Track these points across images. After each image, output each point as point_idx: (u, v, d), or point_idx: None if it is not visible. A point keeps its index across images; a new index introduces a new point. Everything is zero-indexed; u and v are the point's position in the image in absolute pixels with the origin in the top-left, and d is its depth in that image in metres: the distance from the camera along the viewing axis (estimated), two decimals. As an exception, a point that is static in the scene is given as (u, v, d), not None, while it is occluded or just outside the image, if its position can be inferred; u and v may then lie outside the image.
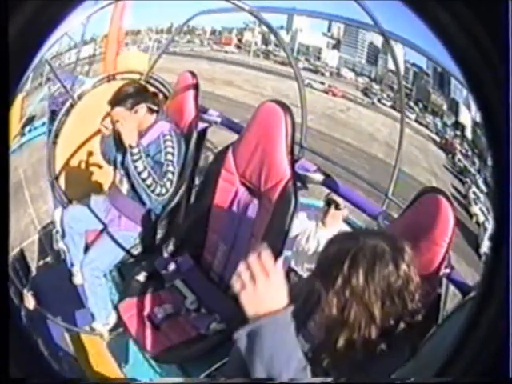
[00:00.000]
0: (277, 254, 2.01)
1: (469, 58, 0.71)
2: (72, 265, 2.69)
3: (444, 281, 1.50)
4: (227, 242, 2.22)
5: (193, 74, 2.66)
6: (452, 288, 1.54)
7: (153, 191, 2.34)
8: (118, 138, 2.46)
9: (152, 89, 2.92)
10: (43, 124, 3.63)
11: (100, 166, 2.97)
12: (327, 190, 2.43)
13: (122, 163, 2.49)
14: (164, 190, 2.35)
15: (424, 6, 0.73)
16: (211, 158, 2.66)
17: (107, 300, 2.54)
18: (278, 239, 2.00)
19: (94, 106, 2.76)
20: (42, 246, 2.96)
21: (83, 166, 2.99)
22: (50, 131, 2.96)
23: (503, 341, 0.70)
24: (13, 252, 2.90)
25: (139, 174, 2.32)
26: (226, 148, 2.25)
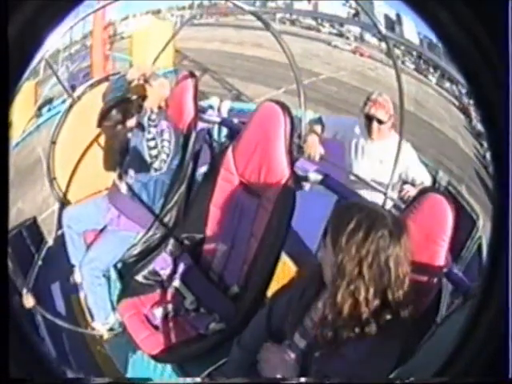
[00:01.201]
0: (276, 253, 2.03)
1: (469, 58, 0.71)
2: (72, 265, 2.69)
3: (444, 281, 1.50)
4: (227, 242, 2.22)
5: (192, 74, 2.65)
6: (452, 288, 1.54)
7: (153, 163, 2.40)
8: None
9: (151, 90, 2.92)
10: (63, 101, 3.69)
11: (99, 166, 2.96)
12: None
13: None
14: (160, 166, 2.42)
15: (424, 5, 0.73)
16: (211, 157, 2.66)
17: (107, 300, 2.54)
18: (277, 239, 2.01)
19: (94, 105, 2.75)
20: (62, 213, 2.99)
21: (83, 165, 2.98)
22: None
23: (503, 341, 0.70)
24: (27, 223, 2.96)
25: (148, 140, 2.38)
26: (226, 148, 2.25)
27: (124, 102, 2.50)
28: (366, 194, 2.51)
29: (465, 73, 0.73)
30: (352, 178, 2.74)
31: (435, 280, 1.43)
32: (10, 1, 0.69)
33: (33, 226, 2.99)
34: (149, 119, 2.39)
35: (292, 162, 2.06)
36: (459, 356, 0.75)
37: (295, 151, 2.36)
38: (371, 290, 1.27)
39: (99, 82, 2.95)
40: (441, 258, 1.41)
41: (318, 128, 2.81)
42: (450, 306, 1.48)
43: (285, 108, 2.04)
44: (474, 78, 0.72)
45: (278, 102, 2.07)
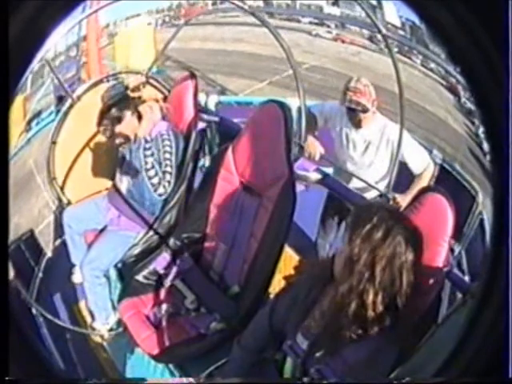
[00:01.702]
0: (277, 253, 2.03)
1: (469, 58, 0.71)
2: (72, 265, 2.69)
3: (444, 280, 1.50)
4: (227, 242, 2.22)
5: (192, 74, 2.65)
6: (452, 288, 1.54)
7: (156, 190, 2.36)
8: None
9: (151, 89, 2.93)
10: (50, 113, 3.71)
11: (99, 166, 2.97)
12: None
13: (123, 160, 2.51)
14: (163, 191, 2.38)
15: (424, 5, 0.73)
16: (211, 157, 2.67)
17: (107, 300, 2.54)
18: (277, 238, 2.01)
19: (93, 106, 2.75)
20: (58, 224, 3.00)
21: (83, 166, 2.98)
22: (57, 112, 2.99)
23: (503, 341, 0.70)
24: (24, 236, 2.95)
25: (147, 170, 2.34)
26: (226, 148, 2.25)
27: (124, 100, 2.51)
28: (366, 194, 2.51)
29: (465, 73, 0.73)
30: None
31: (435, 280, 1.43)
32: (10, 1, 0.69)
33: (30, 239, 2.99)
34: (144, 149, 2.35)
35: (292, 162, 2.05)
36: (459, 356, 0.75)
37: (295, 151, 2.36)
38: (380, 294, 1.26)
39: (96, 83, 2.94)
40: (441, 257, 1.41)
41: (311, 120, 2.76)
42: (450, 305, 1.48)
43: (284, 108, 2.04)
44: (474, 77, 0.72)
45: (277, 102, 2.07)
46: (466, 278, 1.55)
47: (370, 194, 2.55)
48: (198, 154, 2.63)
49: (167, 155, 2.39)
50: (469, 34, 0.70)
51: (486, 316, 0.73)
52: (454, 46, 0.71)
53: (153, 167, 2.34)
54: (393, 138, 2.54)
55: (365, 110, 2.57)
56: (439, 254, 1.41)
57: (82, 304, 2.74)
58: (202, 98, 3.90)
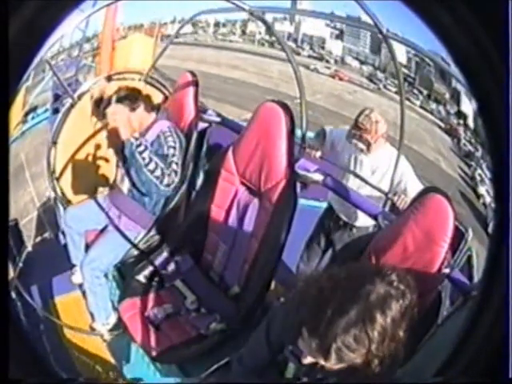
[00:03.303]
0: (277, 253, 2.03)
1: (469, 58, 0.71)
2: (72, 265, 2.69)
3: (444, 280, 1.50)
4: (227, 242, 2.22)
5: (193, 74, 2.66)
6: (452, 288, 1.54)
7: (161, 182, 2.33)
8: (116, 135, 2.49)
9: (151, 88, 2.93)
10: (46, 111, 3.72)
11: (100, 166, 2.97)
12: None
13: (124, 161, 2.51)
14: (171, 180, 2.36)
15: (424, 6, 0.73)
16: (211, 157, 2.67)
17: (107, 300, 2.54)
18: (277, 239, 2.01)
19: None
20: (40, 222, 3.00)
21: (83, 166, 2.98)
22: (53, 110, 2.99)
23: (503, 341, 0.70)
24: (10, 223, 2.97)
25: (146, 165, 2.32)
26: (226, 148, 2.25)
27: (130, 96, 2.53)
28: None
29: (465, 73, 0.73)
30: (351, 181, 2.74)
31: (436, 280, 1.43)
32: (10, 1, 0.69)
33: (14, 229, 3.02)
34: (137, 147, 2.33)
35: (293, 162, 2.06)
36: (459, 356, 0.75)
37: (296, 151, 2.36)
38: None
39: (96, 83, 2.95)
40: (441, 258, 1.41)
41: (318, 141, 2.88)
42: (450, 306, 1.48)
43: (286, 108, 2.04)
44: (474, 77, 0.72)
45: (278, 102, 2.07)
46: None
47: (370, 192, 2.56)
48: (198, 154, 2.63)
49: (171, 150, 2.39)
50: (469, 34, 0.70)
51: (485, 316, 0.73)
52: (455, 46, 0.71)
53: (150, 161, 2.32)
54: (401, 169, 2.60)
55: (367, 145, 2.66)
56: (439, 254, 1.40)
57: (57, 300, 2.79)
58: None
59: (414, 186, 2.58)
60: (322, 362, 1.17)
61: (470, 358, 0.73)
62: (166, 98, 2.96)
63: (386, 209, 2.42)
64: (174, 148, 2.40)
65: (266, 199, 2.07)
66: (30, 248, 3.03)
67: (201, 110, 2.68)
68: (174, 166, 2.37)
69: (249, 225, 2.14)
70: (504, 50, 0.68)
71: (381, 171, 2.71)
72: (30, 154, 3.14)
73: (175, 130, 2.46)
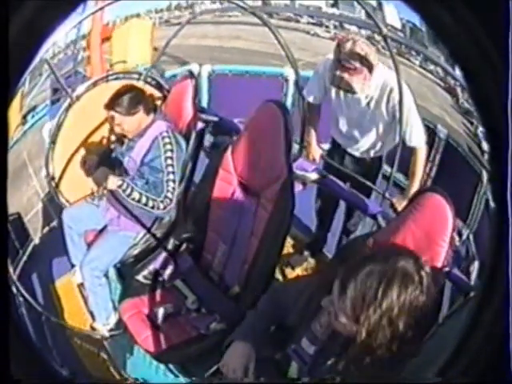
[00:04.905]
0: (276, 252, 2.03)
1: (469, 58, 0.71)
2: (72, 265, 2.69)
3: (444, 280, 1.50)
4: (227, 242, 2.22)
5: (191, 74, 2.65)
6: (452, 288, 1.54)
7: (158, 208, 2.37)
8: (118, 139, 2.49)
9: (150, 88, 2.93)
10: (45, 106, 3.74)
11: (98, 166, 2.96)
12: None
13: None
14: (168, 202, 2.37)
15: (425, 6, 0.73)
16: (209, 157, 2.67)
17: (107, 300, 2.54)
18: (277, 238, 2.01)
19: (92, 106, 2.75)
20: (46, 211, 3.00)
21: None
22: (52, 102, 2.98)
23: (503, 341, 0.70)
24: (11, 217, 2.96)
25: (138, 201, 2.36)
26: (225, 148, 2.24)
27: (139, 94, 2.52)
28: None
29: (465, 73, 0.73)
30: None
31: (436, 280, 1.43)
32: (10, 1, 0.69)
33: (17, 222, 3.02)
34: (123, 191, 2.36)
35: (291, 162, 2.05)
36: (459, 356, 0.75)
37: (294, 150, 2.36)
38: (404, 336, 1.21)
39: (96, 83, 2.94)
40: (441, 257, 1.41)
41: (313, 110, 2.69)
42: (450, 306, 1.48)
43: (284, 108, 2.04)
44: (474, 77, 0.72)
45: (277, 102, 2.07)
46: (476, 263, 1.54)
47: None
48: (197, 154, 2.63)
49: (169, 161, 2.38)
50: (469, 33, 0.70)
51: (486, 316, 0.73)
52: (455, 46, 0.72)
53: (141, 196, 2.35)
54: (395, 98, 2.37)
55: (354, 92, 2.38)
56: (439, 254, 1.40)
57: (57, 283, 2.81)
58: (195, 68, 3.86)
59: (411, 125, 2.39)
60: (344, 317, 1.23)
61: (471, 357, 0.74)
62: (165, 97, 2.95)
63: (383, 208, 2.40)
64: (172, 158, 2.39)
65: (265, 198, 2.07)
66: (37, 241, 3.04)
67: (199, 110, 2.67)
68: (170, 184, 2.37)
69: (248, 224, 2.14)
70: (504, 50, 0.68)
71: (374, 101, 2.47)
72: (33, 149, 3.13)
73: (174, 133, 2.46)
